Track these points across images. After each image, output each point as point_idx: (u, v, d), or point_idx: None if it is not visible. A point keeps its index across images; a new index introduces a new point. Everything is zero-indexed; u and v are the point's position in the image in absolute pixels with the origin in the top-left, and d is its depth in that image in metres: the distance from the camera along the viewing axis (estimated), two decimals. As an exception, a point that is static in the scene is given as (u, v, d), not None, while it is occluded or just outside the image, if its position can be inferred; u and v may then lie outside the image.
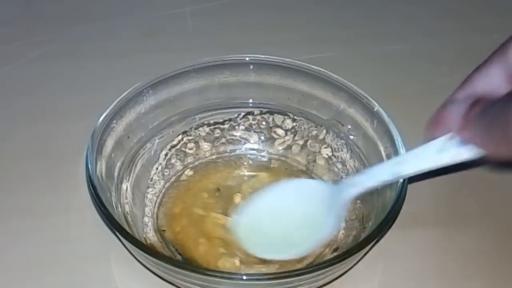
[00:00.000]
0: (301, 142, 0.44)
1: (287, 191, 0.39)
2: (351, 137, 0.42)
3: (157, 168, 0.42)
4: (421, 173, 0.33)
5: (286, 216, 0.38)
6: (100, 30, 0.58)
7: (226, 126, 0.44)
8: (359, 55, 0.55)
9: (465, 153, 0.31)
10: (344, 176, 0.42)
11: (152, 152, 0.42)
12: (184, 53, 0.47)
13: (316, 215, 0.37)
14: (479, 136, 0.29)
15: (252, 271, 0.37)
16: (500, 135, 0.27)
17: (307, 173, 0.43)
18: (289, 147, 0.44)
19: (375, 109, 0.39)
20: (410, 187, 0.35)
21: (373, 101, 0.40)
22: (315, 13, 0.61)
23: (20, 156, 0.45)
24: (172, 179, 0.43)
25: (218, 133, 0.44)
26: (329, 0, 0.63)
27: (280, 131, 0.44)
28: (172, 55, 0.46)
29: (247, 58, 0.43)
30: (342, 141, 0.42)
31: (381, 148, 0.39)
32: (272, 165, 0.44)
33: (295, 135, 0.44)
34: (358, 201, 0.39)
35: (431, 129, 0.33)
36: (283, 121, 0.44)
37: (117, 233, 0.34)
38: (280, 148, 0.44)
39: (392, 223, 0.34)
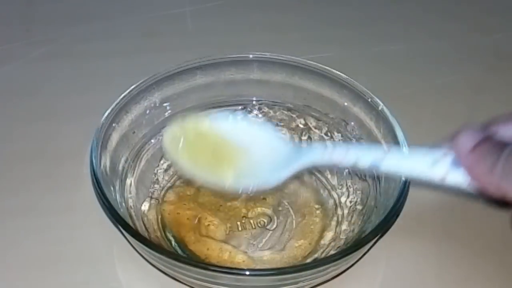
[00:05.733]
0: (305, 140, 0.44)
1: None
2: (355, 135, 0.42)
3: (161, 164, 0.42)
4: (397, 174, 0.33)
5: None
6: (100, 30, 0.58)
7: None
8: (359, 55, 0.56)
9: (455, 176, 0.30)
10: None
11: (157, 148, 0.42)
12: (184, 53, 0.47)
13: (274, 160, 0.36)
14: (475, 166, 0.28)
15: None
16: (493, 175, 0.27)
17: (311, 172, 0.43)
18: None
19: (379, 108, 0.40)
20: (411, 187, 0.35)
21: (378, 100, 0.40)
22: (315, 13, 0.61)
23: (20, 156, 0.45)
24: (177, 175, 0.43)
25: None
26: (329, 0, 0.63)
27: (285, 129, 0.44)
28: (172, 55, 0.46)
29: (251, 56, 0.44)
30: (347, 139, 0.42)
31: (385, 148, 0.39)
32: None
33: (300, 133, 0.44)
34: (359, 206, 0.40)
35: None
36: (288, 119, 0.44)
37: (120, 228, 0.34)
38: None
39: (393, 222, 0.34)
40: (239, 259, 0.38)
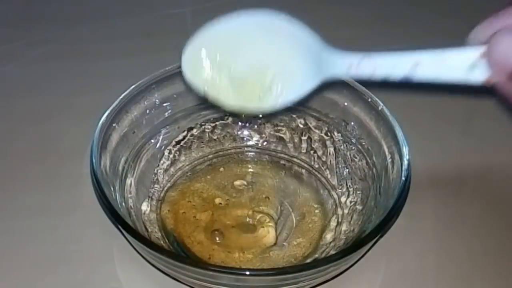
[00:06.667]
0: (305, 140, 0.44)
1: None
2: (355, 135, 0.42)
3: (162, 164, 0.43)
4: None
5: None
6: (100, 30, 0.58)
7: (230, 123, 0.45)
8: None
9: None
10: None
11: (157, 148, 0.42)
12: (184, 53, 0.47)
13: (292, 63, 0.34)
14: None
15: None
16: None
17: (311, 172, 0.43)
18: (293, 145, 0.44)
19: (379, 108, 0.40)
20: (411, 187, 0.35)
21: (378, 100, 0.40)
22: (315, 13, 0.61)
23: (20, 156, 0.45)
24: (177, 175, 0.43)
25: (222, 130, 0.45)
26: (329, 0, 0.63)
27: (285, 129, 0.44)
28: (172, 55, 0.46)
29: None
30: (347, 139, 0.42)
31: (385, 148, 0.39)
32: (276, 163, 0.44)
33: (300, 133, 0.44)
34: (359, 206, 0.40)
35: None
36: (288, 119, 0.44)
37: (120, 228, 0.34)
38: (285, 146, 0.45)
39: (393, 222, 0.34)
40: (248, 258, 0.38)
